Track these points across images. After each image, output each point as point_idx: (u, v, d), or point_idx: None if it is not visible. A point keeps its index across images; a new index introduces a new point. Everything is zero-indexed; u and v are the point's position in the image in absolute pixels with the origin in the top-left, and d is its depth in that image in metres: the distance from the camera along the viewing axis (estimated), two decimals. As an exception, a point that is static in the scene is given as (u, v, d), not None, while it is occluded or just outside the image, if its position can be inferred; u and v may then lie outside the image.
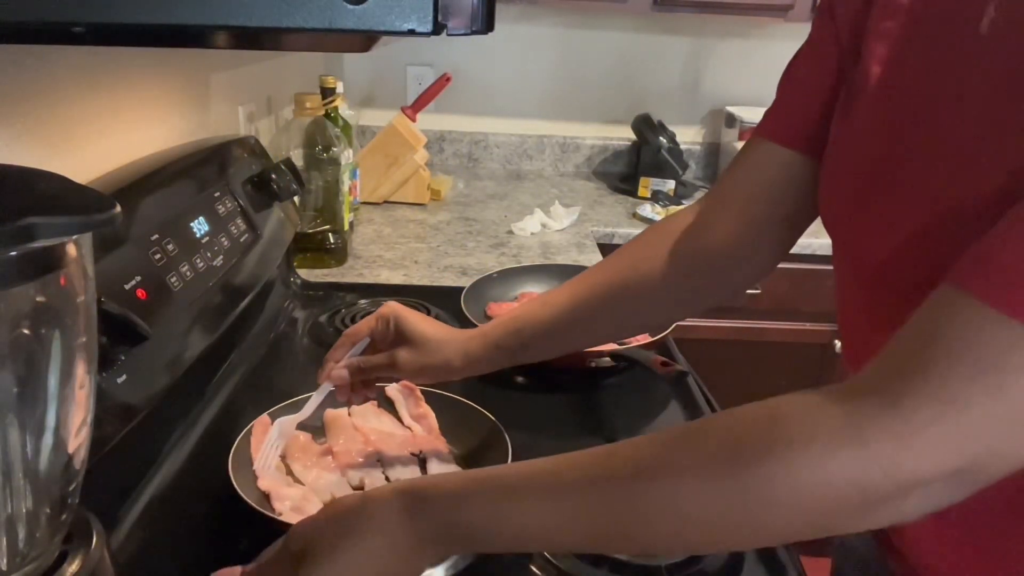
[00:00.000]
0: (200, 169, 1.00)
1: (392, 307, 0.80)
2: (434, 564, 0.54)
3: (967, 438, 0.40)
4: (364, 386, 0.80)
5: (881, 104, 0.57)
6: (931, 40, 0.54)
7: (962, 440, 0.40)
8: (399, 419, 0.90)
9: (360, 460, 0.81)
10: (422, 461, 0.83)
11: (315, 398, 0.78)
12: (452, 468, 0.81)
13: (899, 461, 0.41)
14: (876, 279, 0.57)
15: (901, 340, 0.44)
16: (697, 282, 0.76)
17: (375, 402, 0.91)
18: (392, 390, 0.92)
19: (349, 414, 0.89)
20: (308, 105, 1.36)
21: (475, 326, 1.10)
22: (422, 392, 0.91)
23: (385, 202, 1.86)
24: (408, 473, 0.80)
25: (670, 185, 2.08)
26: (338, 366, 0.78)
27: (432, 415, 0.88)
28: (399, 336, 0.78)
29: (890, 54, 0.57)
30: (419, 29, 0.42)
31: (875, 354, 0.45)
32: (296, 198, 1.23)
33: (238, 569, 0.58)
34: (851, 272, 0.61)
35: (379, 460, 0.82)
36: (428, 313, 1.19)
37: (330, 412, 0.88)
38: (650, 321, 0.80)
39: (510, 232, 1.70)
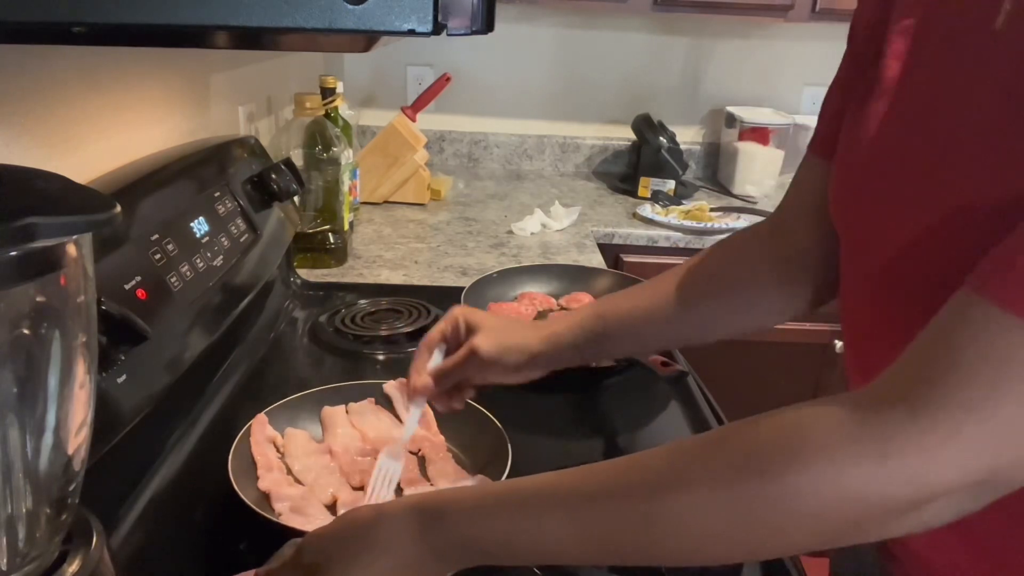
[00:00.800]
0: (200, 169, 1.00)
1: (459, 308, 0.79)
2: None
3: (990, 447, 0.40)
4: (456, 390, 0.78)
5: (895, 101, 0.57)
6: (946, 36, 0.54)
7: (985, 449, 0.40)
8: (397, 417, 0.90)
9: (359, 458, 0.82)
10: (421, 459, 0.83)
11: (411, 418, 0.77)
12: (451, 467, 0.81)
13: (922, 471, 0.40)
14: (883, 278, 0.56)
15: (920, 347, 0.43)
16: (787, 288, 0.74)
17: (372, 400, 0.91)
18: (390, 387, 0.92)
19: (347, 412, 0.89)
20: (308, 105, 1.36)
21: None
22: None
23: (385, 202, 1.86)
24: (406, 470, 0.80)
25: (670, 185, 2.08)
26: (421, 377, 0.76)
27: (430, 412, 0.88)
28: (471, 330, 0.76)
29: (906, 51, 0.57)
30: (419, 29, 0.42)
31: (879, 356, 0.45)
32: (296, 198, 1.23)
33: (251, 573, 0.58)
34: (858, 271, 0.61)
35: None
36: (428, 313, 1.19)
37: (327, 410, 0.89)
38: (729, 327, 0.79)
39: (510, 232, 1.70)
